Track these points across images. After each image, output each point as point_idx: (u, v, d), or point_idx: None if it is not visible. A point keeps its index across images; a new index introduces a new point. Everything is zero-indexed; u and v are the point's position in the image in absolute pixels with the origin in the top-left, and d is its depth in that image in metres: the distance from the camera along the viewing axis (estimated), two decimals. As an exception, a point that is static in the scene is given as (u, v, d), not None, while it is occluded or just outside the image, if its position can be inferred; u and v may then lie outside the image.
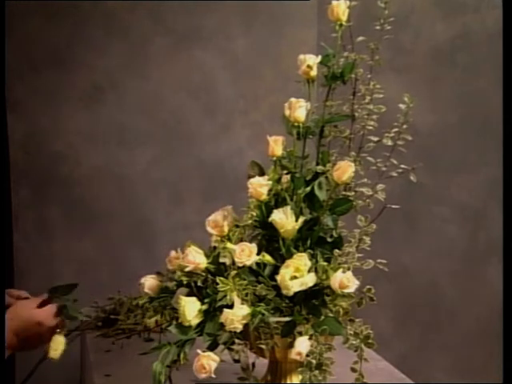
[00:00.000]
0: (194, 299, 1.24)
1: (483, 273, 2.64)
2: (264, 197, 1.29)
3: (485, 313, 2.62)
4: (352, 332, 1.20)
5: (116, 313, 1.76)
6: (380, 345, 1.22)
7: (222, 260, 1.27)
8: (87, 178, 2.56)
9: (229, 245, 1.26)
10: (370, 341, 1.19)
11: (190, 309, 1.22)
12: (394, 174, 1.29)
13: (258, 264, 1.25)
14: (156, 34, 2.57)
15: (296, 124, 1.31)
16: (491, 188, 2.56)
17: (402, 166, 1.29)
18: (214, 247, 1.31)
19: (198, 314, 1.23)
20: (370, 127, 1.32)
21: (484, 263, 2.63)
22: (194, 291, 1.29)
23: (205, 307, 1.23)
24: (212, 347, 1.22)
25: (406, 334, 2.70)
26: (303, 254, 1.23)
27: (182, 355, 1.22)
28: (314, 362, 1.16)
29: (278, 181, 1.33)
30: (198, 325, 1.24)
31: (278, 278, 1.21)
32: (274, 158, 1.33)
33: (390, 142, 1.30)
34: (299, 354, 1.17)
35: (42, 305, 1.46)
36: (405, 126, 1.28)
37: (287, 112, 1.31)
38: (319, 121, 1.35)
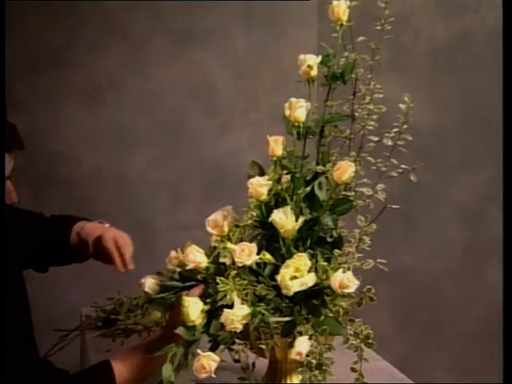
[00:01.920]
0: (196, 299, 1.24)
1: (483, 273, 2.64)
2: (264, 197, 1.29)
3: (485, 313, 2.62)
4: (352, 332, 1.20)
5: (116, 313, 1.76)
6: (380, 345, 1.22)
7: (222, 260, 1.27)
8: (87, 177, 2.56)
9: (229, 245, 1.26)
10: (369, 341, 1.19)
11: (194, 309, 1.22)
12: (394, 174, 1.29)
13: (258, 264, 1.25)
14: (156, 33, 2.58)
15: (296, 124, 1.31)
16: (491, 188, 2.56)
17: (402, 166, 1.28)
18: (214, 247, 1.31)
19: (201, 314, 1.23)
20: (370, 127, 1.31)
21: (484, 263, 2.63)
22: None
23: (207, 307, 1.23)
24: (214, 348, 1.22)
25: (406, 333, 2.70)
26: (303, 253, 1.23)
27: (189, 356, 1.21)
28: (314, 361, 1.16)
29: (278, 181, 1.33)
30: (204, 325, 1.23)
31: (278, 277, 1.21)
32: (274, 158, 1.33)
33: (390, 142, 1.29)
34: (299, 353, 1.17)
35: None
36: (405, 126, 1.28)
37: (287, 112, 1.31)
38: (319, 121, 1.35)
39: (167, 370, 1.20)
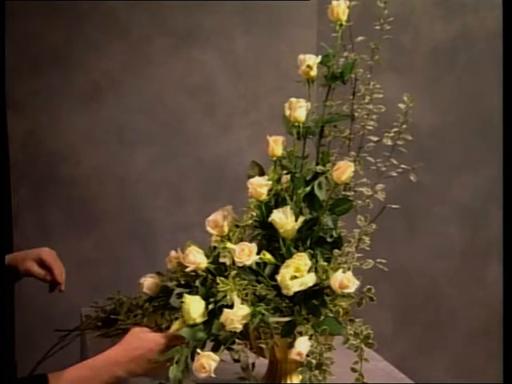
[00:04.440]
0: (198, 298, 1.24)
1: (483, 273, 2.64)
2: (264, 197, 1.29)
3: (485, 313, 2.62)
4: (352, 332, 1.20)
5: (116, 313, 1.76)
6: (380, 345, 1.22)
7: (222, 260, 1.27)
8: (87, 177, 2.56)
9: (229, 245, 1.26)
10: (370, 341, 1.19)
11: (195, 307, 1.22)
12: (394, 174, 1.29)
13: (258, 264, 1.25)
14: (156, 34, 2.57)
15: (296, 124, 1.31)
16: (491, 188, 2.56)
17: (402, 165, 1.29)
18: (214, 247, 1.31)
19: (203, 312, 1.23)
20: (370, 127, 1.32)
21: (484, 263, 2.63)
22: (194, 291, 1.29)
23: (211, 307, 1.23)
24: (216, 348, 1.22)
25: (406, 333, 2.70)
26: (303, 253, 1.23)
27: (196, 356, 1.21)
28: (313, 361, 1.16)
29: (278, 181, 1.33)
30: (208, 326, 1.23)
31: (278, 277, 1.21)
32: (274, 158, 1.33)
33: (389, 142, 1.30)
34: (299, 353, 1.17)
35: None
36: (404, 126, 1.29)
37: (287, 112, 1.31)
38: (319, 121, 1.35)
39: (173, 372, 1.20)
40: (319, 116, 1.35)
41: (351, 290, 1.21)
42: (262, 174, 1.34)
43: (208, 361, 1.17)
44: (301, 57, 1.33)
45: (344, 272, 1.21)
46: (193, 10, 2.59)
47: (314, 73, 1.32)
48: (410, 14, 2.60)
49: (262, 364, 1.33)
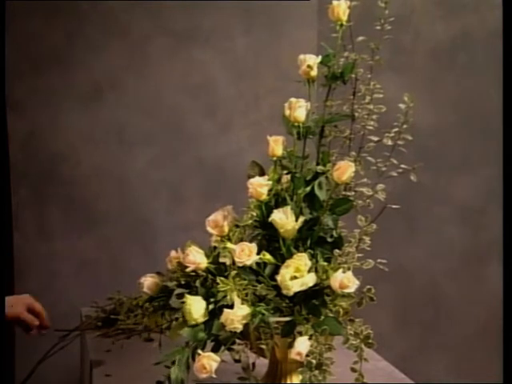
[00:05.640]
0: (199, 298, 1.24)
1: (483, 273, 2.63)
2: (264, 197, 1.29)
3: (485, 313, 2.62)
4: (352, 332, 1.20)
5: (116, 313, 1.76)
6: (380, 345, 1.22)
7: (222, 260, 1.27)
8: (87, 177, 2.56)
9: (229, 245, 1.26)
10: (370, 341, 1.19)
11: (197, 308, 1.22)
12: (394, 174, 1.29)
13: (258, 264, 1.25)
14: (156, 34, 2.57)
15: (296, 124, 1.31)
16: (491, 188, 2.56)
17: (402, 165, 1.29)
18: (214, 247, 1.31)
19: (204, 312, 1.23)
20: (370, 127, 1.32)
21: (484, 263, 2.63)
22: (194, 291, 1.29)
23: (211, 307, 1.23)
24: (216, 348, 1.22)
25: (406, 334, 2.70)
26: (303, 253, 1.23)
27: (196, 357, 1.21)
28: (313, 361, 1.16)
29: (278, 181, 1.33)
30: (208, 326, 1.23)
31: (278, 277, 1.21)
32: (274, 158, 1.33)
33: (390, 142, 1.30)
34: (299, 354, 1.17)
35: None
36: (405, 126, 1.29)
37: (287, 112, 1.31)
38: (319, 121, 1.35)
39: (174, 372, 1.20)
40: (319, 116, 1.35)
41: (351, 290, 1.21)
42: (262, 173, 1.34)
43: (209, 361, 1.17)
44: (301, 57, 1.33)
45: (344, 272, 1.21)
46: (193, 10, 2.59)
47: (314, 73, 1.32)
48: (410, 14, 2.60)
49: (262, 364, 1.33)
